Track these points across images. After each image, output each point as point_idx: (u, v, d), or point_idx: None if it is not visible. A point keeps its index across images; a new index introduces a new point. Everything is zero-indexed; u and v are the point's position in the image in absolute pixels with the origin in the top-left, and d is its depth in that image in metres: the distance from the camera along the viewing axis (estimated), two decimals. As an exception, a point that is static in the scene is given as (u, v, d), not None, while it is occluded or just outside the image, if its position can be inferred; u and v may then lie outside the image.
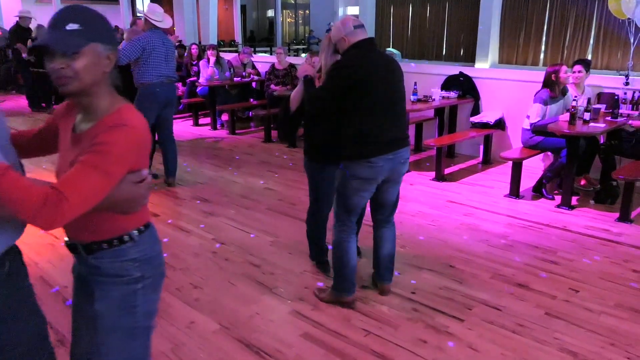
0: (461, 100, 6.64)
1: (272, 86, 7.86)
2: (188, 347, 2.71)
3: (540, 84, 5.21)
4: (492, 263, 3.67)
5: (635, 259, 3.75)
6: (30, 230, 3.28)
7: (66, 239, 1.59)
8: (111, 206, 1.42)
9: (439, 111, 6.85)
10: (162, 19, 5.09)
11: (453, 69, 7.00)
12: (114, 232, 1.52)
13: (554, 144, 5.01)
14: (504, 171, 5.85)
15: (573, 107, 4.82)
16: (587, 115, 4.84)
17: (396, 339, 2.78)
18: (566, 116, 4.88)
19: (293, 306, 3.10)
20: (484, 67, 6.94)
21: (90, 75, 1.40)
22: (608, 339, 2.79)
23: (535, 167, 5.75)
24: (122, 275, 1.54)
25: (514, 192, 5.09)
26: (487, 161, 6.42)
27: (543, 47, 7.83)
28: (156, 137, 5.40)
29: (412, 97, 6.27)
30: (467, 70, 6.89)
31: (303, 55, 13.58)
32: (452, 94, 6.59)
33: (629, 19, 5.93)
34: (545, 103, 5.05)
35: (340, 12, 18.43)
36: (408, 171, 5.89)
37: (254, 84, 8.99)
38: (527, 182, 5.30)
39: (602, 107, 5.27)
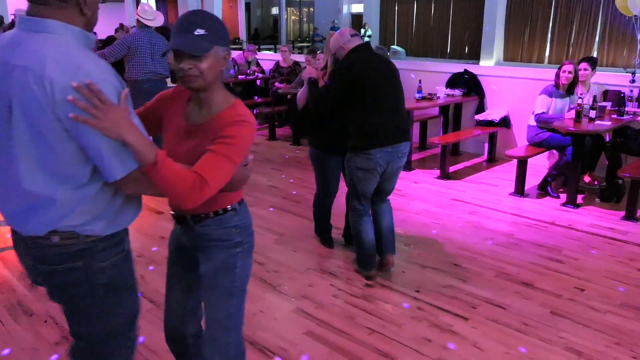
0: (466, 98, 6.61)
1: (277, 84, 7.85)
2: (192, 344, 2.72)
3: (545, 82, 5.20)
4: (496, 261, 3.66)
5: (641, 257, 3.73)
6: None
7: (172, 212, 1.82)
8: (227, 187, 1.61)
9: (443, 109, 6.83)
10: (153, 18, 5.43)
11: (458, 67, 6.98)
12: (220, 205, 1.74)
13: (559, 142, 4.98)
14: (509, 169, 5.82)
15: (579, 104, 4.79)
16: (592, 113, 4.82)
17: (400, 337, 2.77)
18: (572, 114, 4.86)
19: (297, 304, 3.10)
20: (489, 64, 6.91)
21: (212, 74, 1.59)
22: (613, 338, 2.77)
23: (540, 165, 5.73)
24: (225, 239, 1.77)
25: (519, 190, 5.07)
26: (492, 159, 6.40)
27: (548, 45, 7.79)
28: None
29: (416, 95, 6.26)
30: (471, 68, 6.86)
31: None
32: (457, 92, 6.57)
33: (635, 15, 5.88)
34: (550, 95, 5.03)
35: (345, 9, 18.37)
36: (412, 169, 5.93)
37: (258, 82, 8.99)
38: (532, 180, 5.28)
39: (608, 104, 5.24)
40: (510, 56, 7.82)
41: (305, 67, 6.72)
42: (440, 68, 7.21)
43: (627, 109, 5.12)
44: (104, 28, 11.14)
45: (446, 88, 6.62)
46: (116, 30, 9.63)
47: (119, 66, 5.41)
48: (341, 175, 3.62)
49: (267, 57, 9.72)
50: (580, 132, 4.63)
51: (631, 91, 5.47)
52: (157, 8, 17.67)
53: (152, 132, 1.76)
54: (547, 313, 3.01)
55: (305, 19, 25.01)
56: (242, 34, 19.40)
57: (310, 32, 23.04)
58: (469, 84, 6.71)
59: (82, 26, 1.42)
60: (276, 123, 7.59)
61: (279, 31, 22.25)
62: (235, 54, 9.30)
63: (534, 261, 3.66)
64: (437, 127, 6.96)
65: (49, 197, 1.39)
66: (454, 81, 6.83)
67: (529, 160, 5.09)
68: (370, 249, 3.35)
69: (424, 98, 6.27)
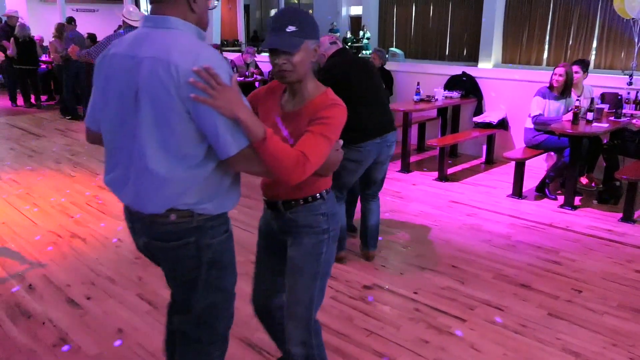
0: (464, 100, 6.63)
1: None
2: (190, 346, 2.71)
3: (543, 84, 5.21)
4: (494, 263, 3.67)
5: (638, 259, 3.74)
6: (32, 230, 3.35)
7: (265, 198, 1.98)
8: (321, 169, 1.73)
9: (441, 111, 6.85)
10: (137, 19, 5.57)
11: (456, 69, 7.00)
12: (310, 192, 1.88)
13: (556, 144, 5.00)
14: (507, 171, 5.84)
15: (576, 107, 4.81)
16: (590, 115, 4.83)
17: (398, 339, 2.78)
18: (569, 116, 4.87)
19: (295, 306, 3.10)
20: (487, 67, 6.92)
21: (303, 66, 1.76)
22: (610, 339, 2.78)
23: (538, 167, 5.74)
24: (314, 226, 1.91)
25: (517, 192, 5.08)
26: (490, 161, 6.41)
27: (546, 47, 7.80)
28: None
29: (415, 97, 6.27)
30: (470, 70, 6.89)
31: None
32: (455, 94, 6.58)
33: (633, 18, 5.90)
34: (544, 97, 5.05)
35: (344, 12, 18.40)
36: (410, 171, 5.93)
37: (257, 84, 8.99)
38: (530, 182, 5.29)
39: (606, 107, 5.25)
40: (508, 58, 7.83)
41: None
42: (438, 70, 7.23)
43: (624, 111, 5.14)
44: (103, 28, 11.18)
45: (444, 90, 6.64)
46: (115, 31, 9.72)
47: None
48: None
49: (266, 60, 9.69)
50: (578, 135, 4.64)
51: (628, 93, 5.49)
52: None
53: None
54: (545, 314, 3.02)
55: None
56: (241, 36, 19.40)
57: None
58: (467, 86, 6.73)
59: (195, 23, 1.62)
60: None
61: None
62: (234, 56, 9.31)
63: (531, 263, 3.67)
64: (435, 129, 6.98)
65: (170, 176, 1.56)
66: (452, 83, 6.85)
67: (527, 162, 5.10)
68: (342, 233, 3.54)
69: (422, 100, 6.28)
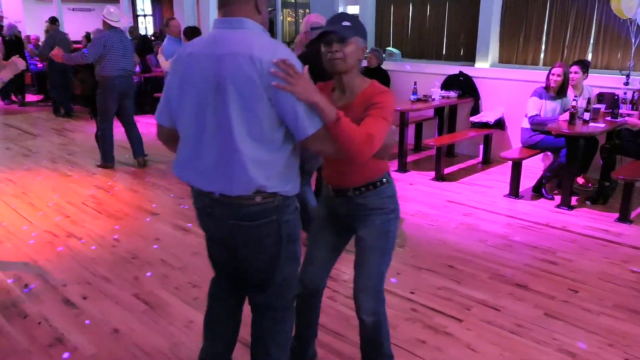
0: (461, 99, 6.63)
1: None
2: (187, 346, 2.71)
3: (540, 84, 5.22)
4: (491, 263, 3.67)
5: (634, 259, 3.75)
6: (30, 230, 3.35)
7: (333, 188, 2.18)
8: (379, 151, 1.89)
9: (438, 111, 6.85)
10: (118, 19, 5.75)
11: (453, 69, 7.00)
12: (375, 176, 2.11)
13: (553, 144, 5.00)
14: (504, 171, 5.85)
15: (573, 107, 4.81)
16: (586, 115, 4.84)
17: (394, 339, 2.77)
18: (566, 116, 4.88)
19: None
20: (484, 66, 6.93)
21: (353, 59, 1.98)
22: (606, 339, 2.79)
23: (534, 167, 5.75)
24: (382, 208, 2.13)
25: (514, 192, 5.09)
26: (487, 161, 6.42)
27: (543, 47, 7.82)
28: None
29: (412, 97, 6.27)
30: (467, 70, 6.89)
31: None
32: (452, 94, 6.58)
33: (629, 18, 5.91)
34: (541, 97, 5.05)
35: (341, 11, 18.41)
36: (407, 171, 5.93)
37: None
38: (527, 182, 5.30)
39: (602, 107, 5.26)
40: (505, 58, 7.86)
41: None
42: (435, 70, 7.22)
43: (621, 111, 5.14)
44: (100, 27, 11.13)
45: (441, 90, 6.64)
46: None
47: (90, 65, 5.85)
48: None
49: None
50: (574, 135, 4.65)
51: (625, 93, 5.50)
52: (153, 9, 17.67)
53: None
54: (541, 314, 3.02)
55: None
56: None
57: (306, 34, 23.04)
58: (464, 86, 6.73)
59: (260, 23, 1.82)
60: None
61: (274, 32, 22.24)
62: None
63: (528, 263, 3.68)
64: (432, 129, 6.98)
65: (256, 159, 1.74)
66: (449, 83, 6.85)
67: (524, 162, 5.11)
68: (311, 214, 3.60)
69: (419, 100, 6.28)
